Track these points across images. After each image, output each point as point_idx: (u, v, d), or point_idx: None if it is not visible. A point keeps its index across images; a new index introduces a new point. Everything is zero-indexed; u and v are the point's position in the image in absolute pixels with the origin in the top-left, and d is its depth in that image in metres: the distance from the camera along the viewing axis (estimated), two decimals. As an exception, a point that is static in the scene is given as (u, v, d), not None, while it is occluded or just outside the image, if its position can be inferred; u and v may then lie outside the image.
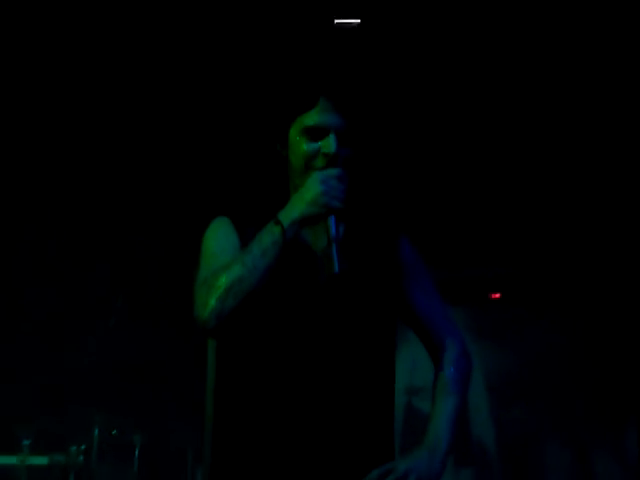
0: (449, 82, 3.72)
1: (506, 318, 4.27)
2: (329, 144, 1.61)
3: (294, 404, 1.57)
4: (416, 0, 3.29)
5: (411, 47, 3.53)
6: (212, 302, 1.52)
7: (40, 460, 3.99)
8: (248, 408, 1.61)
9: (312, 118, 1.64)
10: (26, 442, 3.99)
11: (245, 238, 1.65)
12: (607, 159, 4.03)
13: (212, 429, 3.97)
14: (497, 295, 4.35)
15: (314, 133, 1.64)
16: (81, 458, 4.00)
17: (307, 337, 1.61)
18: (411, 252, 1.82)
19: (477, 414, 4.14)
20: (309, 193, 1.57)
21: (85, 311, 4.24)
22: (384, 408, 1.67)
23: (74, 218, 4.22)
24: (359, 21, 3.33)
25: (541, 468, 4.11)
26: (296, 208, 1.57)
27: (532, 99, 3.80)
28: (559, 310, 4.28)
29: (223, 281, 1.53)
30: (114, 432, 4.17)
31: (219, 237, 1.73)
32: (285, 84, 1.78)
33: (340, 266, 1.53)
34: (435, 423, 1.68)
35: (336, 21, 3.30)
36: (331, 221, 1.56)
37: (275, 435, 1.56)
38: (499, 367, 4.23)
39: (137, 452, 4.10)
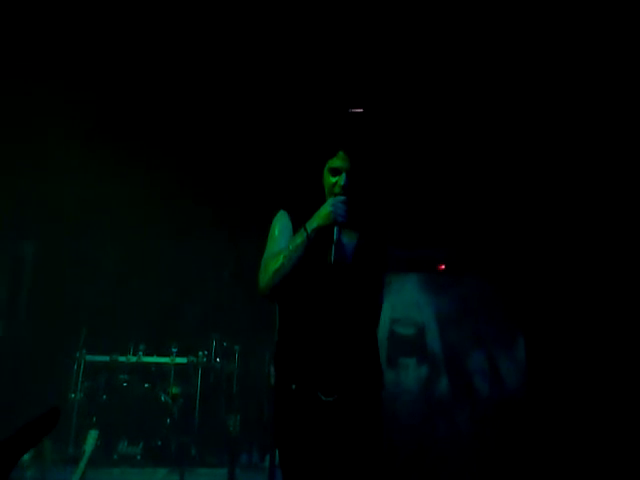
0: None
1: (447, 280, 5.77)
2: (342, 179, 1.98)
3: (320, 332, 1.90)
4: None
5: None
6: (265, 280, 1.91)
7: (181, 360, 5.23)
8: (294, 331, 1.99)
9: (333, 163, 2.02)
10: (174, 349, 5.24)
11: (295, 225, 1.98)
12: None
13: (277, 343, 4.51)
14: (442, 266, 5.75)
15: (334, 172, 2.00)
16: (205, 359, 5.26)
17: (326, 293, 1.92)
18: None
19: (430, 334, 5.55)
20: (323, 211, 1.90)
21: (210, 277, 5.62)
22: (371, 332, 2.00)
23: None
24: (363, 110, 4.63)
25: (467, 363, 5.59)
26: (315, 220, 1.90)
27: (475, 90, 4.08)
28: (476, 276, 5.75)
29: (272, 267, 1.89)
30: (225, 344, 5.44)
31: (279, 226, 2.05)
32: (325, 146, 2.13)
33: (334, 258, 1.84)
34: None
35: (350, 110, 4.68)
36: (335, 229, 1.88)
37: (307, 347, 1.91)
38: (443, 308, 5.64)
39: (237, 355, 5.40)
